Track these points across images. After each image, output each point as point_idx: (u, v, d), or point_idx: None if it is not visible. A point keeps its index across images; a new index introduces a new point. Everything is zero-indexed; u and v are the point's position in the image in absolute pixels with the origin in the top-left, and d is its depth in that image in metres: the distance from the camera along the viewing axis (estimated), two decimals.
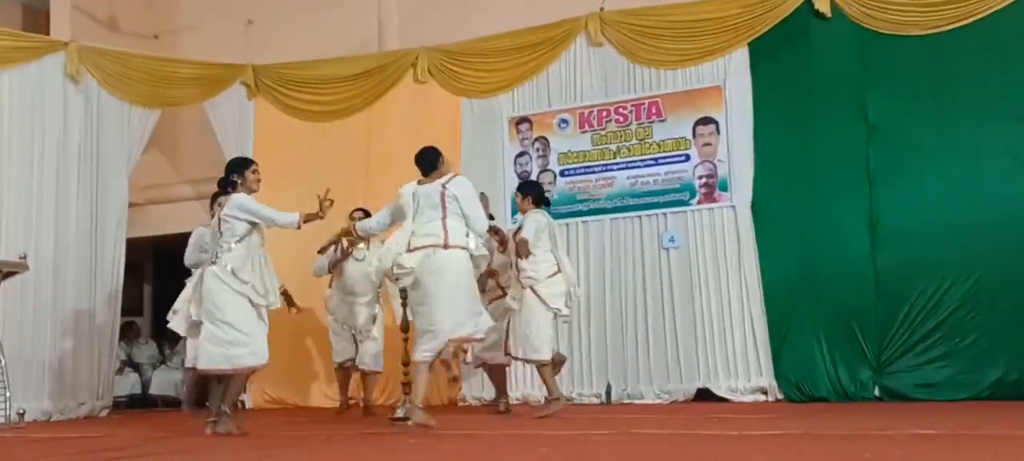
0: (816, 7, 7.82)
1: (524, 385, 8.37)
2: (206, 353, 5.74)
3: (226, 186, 6.04)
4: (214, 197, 7.09)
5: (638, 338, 8.26)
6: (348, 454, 4.51)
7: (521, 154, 8.96)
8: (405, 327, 6.78)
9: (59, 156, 8.70)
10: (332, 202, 6.03)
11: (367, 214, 7.26)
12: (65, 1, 10.61)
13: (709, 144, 8.27)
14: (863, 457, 3.72)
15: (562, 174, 8.78)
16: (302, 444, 5.14)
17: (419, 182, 6.03)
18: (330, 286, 8.07)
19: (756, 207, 8.01)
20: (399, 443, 5.03)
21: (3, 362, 7.29)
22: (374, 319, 7.78)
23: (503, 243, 7.13)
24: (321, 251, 7.80)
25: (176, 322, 6.42)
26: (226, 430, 5.63)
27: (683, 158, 8.35)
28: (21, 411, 7.43)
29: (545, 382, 6.81)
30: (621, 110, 8.61)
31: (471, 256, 5.79)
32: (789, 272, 7.82)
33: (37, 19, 11.01)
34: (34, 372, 8.26)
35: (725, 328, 7.98)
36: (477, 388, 8.57)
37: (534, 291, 6.74)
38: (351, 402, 8.24)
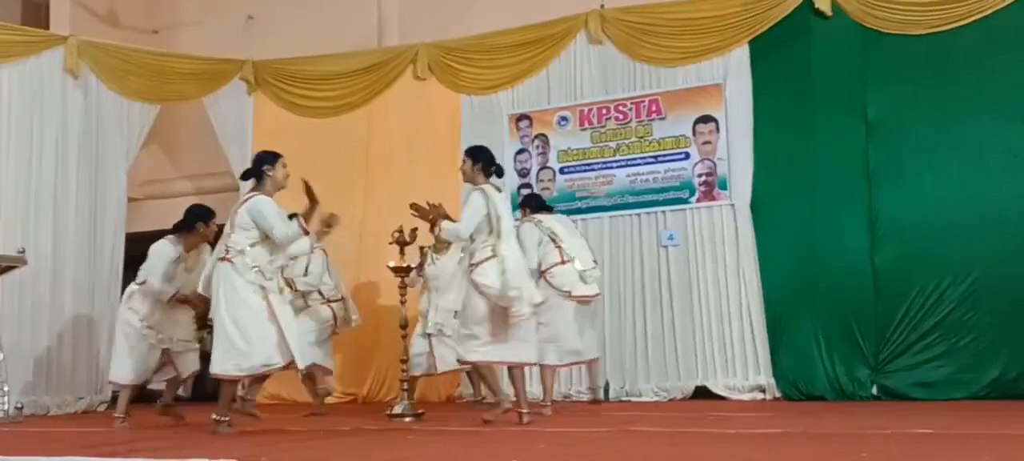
0: (816, 5, 7.82)
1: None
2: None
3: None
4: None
5: (636, 336, 8.26)
6: (349, 449, 4.51)
7: (521, 151, 8.96)
8: (404, 324, 6.79)
9: (58, 151, 8.71)
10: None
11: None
12: None
13: (709, 142, 8.27)
14: (861, 456, 3.72)
15: (562, 171, 8.78)
16: (303, 439, 5.14)
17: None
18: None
19: (755, 205, 8.02)
20: (399, 438, 5.04)
21: (2, 356, 7.30)
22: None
23: None
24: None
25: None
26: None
27: (683, 156, 8.35)
28: (19, 405, 7.44)
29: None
30: (621, 108, 8.61)
31: None
32: (788, 270, 7.83)
33: (37, 13, 11.00)
34: (32, 367, 8.28)
35: (723, 326, 7.98)
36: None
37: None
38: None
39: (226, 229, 5.75)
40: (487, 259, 5.70)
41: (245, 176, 5.95)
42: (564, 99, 8.85)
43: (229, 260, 5.53)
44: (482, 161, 5.98)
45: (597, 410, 7.05)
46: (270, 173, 5.78)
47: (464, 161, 6.07)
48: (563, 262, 6.82)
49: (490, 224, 5.78)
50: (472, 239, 5.79)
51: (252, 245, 5.56)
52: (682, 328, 8.11)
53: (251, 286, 5.50)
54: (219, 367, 5.44)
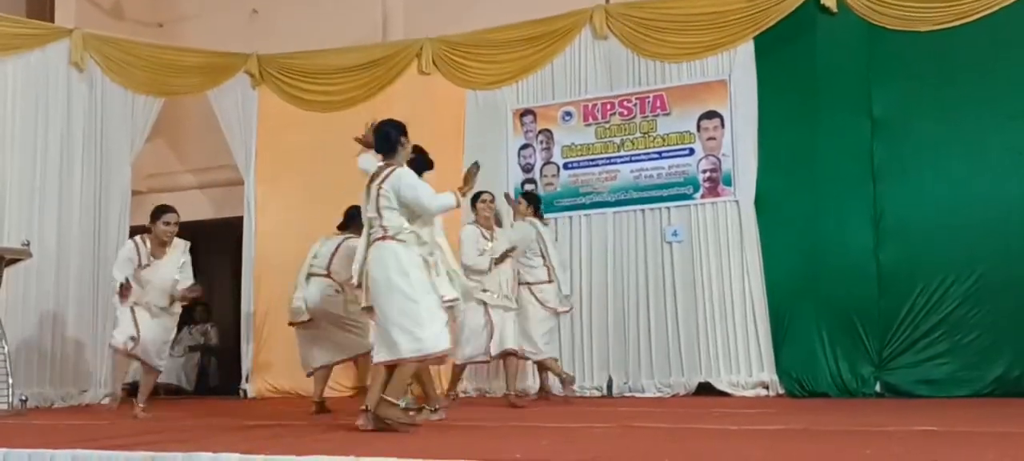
0: (822, 2, 7.80)
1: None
2: None
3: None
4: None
5: (640, 332, 8.27)
6: (351, 443, 4.51)
7: (525, 146, 8.96)
8: None
9: (63, 144, 8.73)
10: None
11: None
12: None
13: (713, 138, 8.27)
14: (864, 453, 3.72)
15: (566, 167, 8.77)
16: (305, 432, 5.15)
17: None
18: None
19: (759, 202, 8.01)
20: (402, 433, 5.03)
21: (6, 349, 7.31)
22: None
23: None
24: None
25: None
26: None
27: (687, 152, 8.34)
28: (23, 397, 7.44)
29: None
30: (625, 103, 8.61)
31: None
32: (792, 267, 7.82)
33: (41, 6, 11.01)
34: (36, 359, 8.30)
35: (727, 322, 7.98)
36: (479, 380, 8.59)
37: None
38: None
39: (366, 211, 5.27)
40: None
41: (378, 148, 5.40)
42: (568, 94, 8.84)
43: (392, 238, 5.07)
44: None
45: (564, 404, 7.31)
46: (404, 142, 5.34)
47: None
48: (550, 281, 7.50)
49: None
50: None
51: (410, 221, 5.13)
52: (685, 324, 8.11)
53: (418, 264, 5.08)
54: (395, 351, 4.99)
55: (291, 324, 7.37)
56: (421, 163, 6.01)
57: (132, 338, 6.69)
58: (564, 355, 8.42)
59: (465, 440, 4.65)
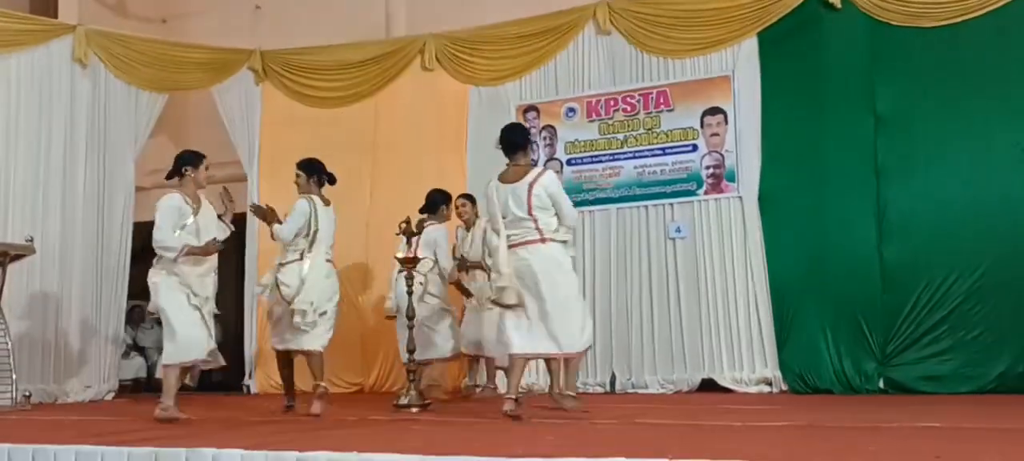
0: None
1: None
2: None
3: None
4: None
5: (643, 328, 8.26)
6: (354, 439, 4.51)
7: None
8: (411, 315, 6.78)
9: (66, 140, 8.74)
10: None
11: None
12: None
13: (717, 134, 8.26)
14: (867, 450, 3.71)
15: (569, 163, 8.77)
16: (308, 428, 5.15)
17: None
18: None
19: (763, 198, 8.00)
20: (404, 429, 5.05)
21: (9, 345, 7.32)
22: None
23: None
24: None
25: None
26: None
27: (690, 148, 8.33)
28: (27, 393, 7.46)
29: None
30: (629, 99, 8.60)
31: None
32: (795, 263, 7.81)
33: (45, 2, 11.02)
34: (40, 355, 8.32)
35: (730, 319, 7.98)
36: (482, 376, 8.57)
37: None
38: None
39: (506, 209, 5.28)
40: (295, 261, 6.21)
41: (510, 149, 5.43)
42: (572, 90, 8.84)
43: (551, 240, 5.29)
44: (315, 173, 6.42)
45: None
46: (534, 142, 5.71)
47: (298, 175, 6.45)
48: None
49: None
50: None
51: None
52: (689, 320, 8.11)
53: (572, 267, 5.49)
54: (567, 344, 5.40)
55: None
56: (323, 175, 6.20)
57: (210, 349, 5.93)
58: None
59: (468, 435, 4.65)
